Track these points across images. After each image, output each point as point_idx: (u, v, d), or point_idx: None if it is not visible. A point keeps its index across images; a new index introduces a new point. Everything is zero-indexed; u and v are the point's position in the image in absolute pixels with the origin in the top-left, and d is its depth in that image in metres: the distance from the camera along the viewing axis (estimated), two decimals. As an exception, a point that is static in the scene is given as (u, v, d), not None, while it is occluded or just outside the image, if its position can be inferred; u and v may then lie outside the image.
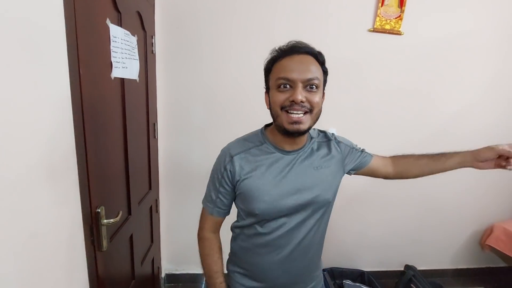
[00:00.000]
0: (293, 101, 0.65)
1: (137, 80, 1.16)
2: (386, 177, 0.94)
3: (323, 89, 0.72)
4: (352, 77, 1.70)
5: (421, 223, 2.00)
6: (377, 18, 1.61)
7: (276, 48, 0.71)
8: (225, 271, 0.86)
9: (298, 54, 0.67)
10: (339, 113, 1.74)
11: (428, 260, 2.09)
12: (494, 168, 0.79)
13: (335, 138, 0.86)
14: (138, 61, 1.15)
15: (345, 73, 1.68)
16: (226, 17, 1.53)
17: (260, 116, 1.77)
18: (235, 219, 0.85)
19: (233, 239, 0.86)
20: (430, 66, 1.73)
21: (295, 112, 0.65)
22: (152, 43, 1.38)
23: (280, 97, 0.67)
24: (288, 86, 0.66)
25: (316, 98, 0.67)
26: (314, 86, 0.66)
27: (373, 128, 1.79)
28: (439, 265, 2.11)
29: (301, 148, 0.77)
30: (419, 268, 2.03)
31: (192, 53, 1.56)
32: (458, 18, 1.67)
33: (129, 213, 1.11)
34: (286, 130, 0.68)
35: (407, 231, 2.01)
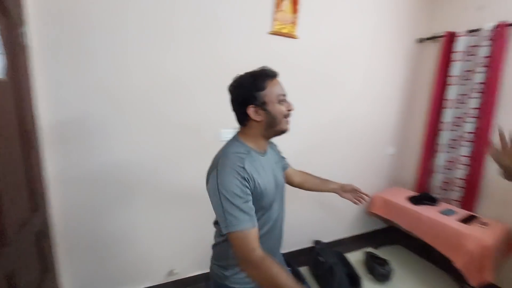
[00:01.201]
0: (290, 110, 0.92)
1: (1, 78, 0.93)
2: (291, 183, 1.27)
3: None
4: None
5: (324, 200, 2.31)
6: (275, 22, 1.76)
7: (264, 72, 0.90)
8: (220, 269, 0.96)
9: (277, 76, 0.92)
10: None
11: (331, 232, 2.45)
12: (350, 200, 1.26)
13: (271, 142, 1.08)
14: (1, 55, 0.92)
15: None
16: (123, 7, 1.39)
17: (170, 117, 1.68)
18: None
19: (225, 237, 0.90)
20: (322, 67, 2.00)
21: (289, 117, 0.93)
22: (22, 33, 1.13)
23: (283, 108, 0.90)
24: (285, 100, 0.91)
25: None
26: None
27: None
28: (340, 235, 2.50)
29: (267, 150, 0.99)
30: (325, 241, 2.36)
31: (82, 47, 1.35)
32: (339, 26, 1.99)
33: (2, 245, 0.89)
34: (285, 131, 0.93)
35: (313, 210, 2.29)
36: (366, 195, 1.26)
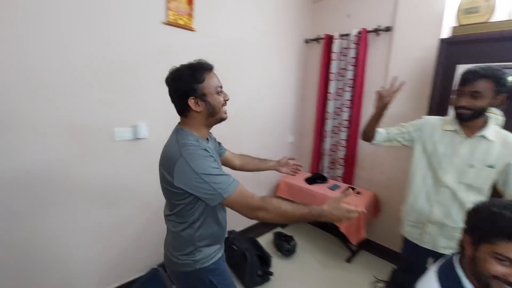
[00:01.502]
0: (227, 99, 1.01)
1: None
2: (232, 167, 1.36)
3: None
4: (156, 71, 1.68)
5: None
6: (170, 12, 1.66)
7: (202, 65, 0.95)
8: (188, 256, 1.00)
9: (212, 69, 0.98)
10: (150, 108, 1.70)
11: (245, 220, 2.58)
12: (288, 173, 1.45)
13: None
14: None
15: (149, 65, 1.65)
16: None
17: (63, 117, 1.39)
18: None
19: (197, 228, 0.99)
20: (223, 62, 2.03)
21: (226, 106, 1.01)
22: None
23: (221, 98, 0.98)
24: (222, 91, 0.99)
25: None
26: None
27: None
28: (252, 222, 2.67)
29: (208, 138, 1.05)
30: (238, 229, 2.46)
31: None
32: (236, 23, 2.05)
33: None
34: (224, 119, 1.01)
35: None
36: (299, 165, 1.46)
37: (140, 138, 1.68)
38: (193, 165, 0.86)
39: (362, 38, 2.23)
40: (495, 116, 1.49)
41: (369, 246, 2.38)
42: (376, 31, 2.17)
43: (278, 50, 2.47)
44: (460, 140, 1.18)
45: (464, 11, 1.57)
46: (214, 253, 1.05)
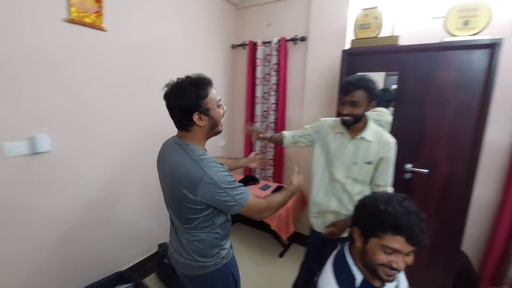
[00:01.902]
0: (224, 112, 1.05)
1: None
2: None
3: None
4: (58, 74, 1.48)
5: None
6: (72, 9, 1.48)
7: (204, 80, 0.98)
8: (216, 257, 1.06)
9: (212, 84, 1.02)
10: (52, 116, 1.48)
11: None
12: (257, 167, 1.60)
13: None
14: None
15: (50, 67, 1.43)
16: None
17: None
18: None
19: (218, 231, 1.05)
20: (141, 65, 1.91)
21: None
22: None
23: (221, 111, 1.03)
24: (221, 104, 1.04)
25: None
26: None
27: (95, 129, 1.71)
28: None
29: None
30: (171, 241, 2.34)
31: None
32: (158, 23, 1.96)
33: None
34: (221, 132, 1.06)
35: (155, 212, 2.21)
36: (265, 159, 1.66)
37: (40, 152, 1.45)
38: (217, 180, 0.91)
39: (282, 46, 2.39)
40: (385, 115, 1.78)
41: (299, 239, 2.55)
42: (294, 40, 2.36)
43: (204, 55, 2.46)
44: (347, 141, 1.34)
45: (359, 26, 1.83)
46: (229, 244, 1.15)
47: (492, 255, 1.81)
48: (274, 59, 2.45)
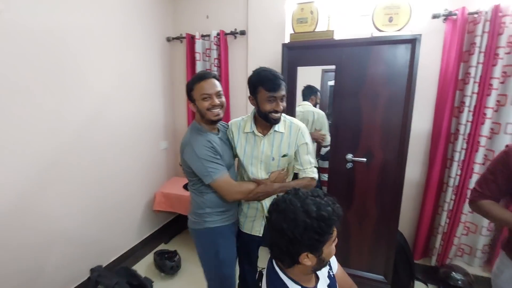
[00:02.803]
0: (214, 104, 1.21)
1: None
2: None
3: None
4: None
5: (105, 212, 1.99)
6: None
7: (196, 76, 1.25)
8: (199, 217, 1.30)
9: (208, 78, 1.22)
10: None
11: (118, 247, 2.18)
12: None
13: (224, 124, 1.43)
14: None
15: None
16: None
17: None
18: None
19: (204, 196, 1.29)
20: (49, 57, 1.59)
21: (215, 110, 1.23)
22: None
23: (205, 104, 1.20)
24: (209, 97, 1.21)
25: (223, 98, 1.26)
26: (221, 94, 1.25)
27: (11, 132, 1.41)
28: (128, 245, 2.30)
29: (219, 130, 1.35)
30: (111, 259, 2.07)
31: None
32: (75, 8, 1.65)
33: None
34: (213, 120, 1.23)
35: (91, 229, 1.91)
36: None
37: None
38: (197, 151, 1.17)
39: (222, 40, 2.27)
40: (307, 106, 1.87)
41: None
42: (233, 34, 2.26)
43: (136, 48, 2.20)
44: (260, 139, 1.29)
45: (297, 20, 1.83)
46: (222, 219, 1.30)
47: (422, 230, 2.02)
48: (214, 54, 2.32)
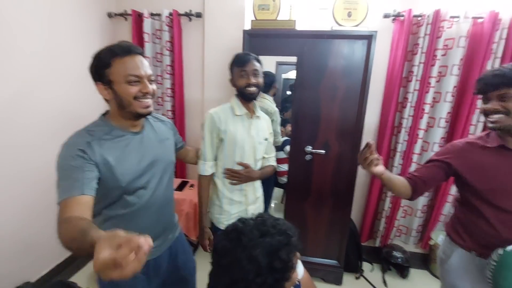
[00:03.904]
0: (145, 92, 0.86)
1: None
2: (187, 162, 1.36)
3: None
4: None
5: (23, 223, 1.66)
6: None
7: (114, 47, 0.83)
8: None
9: (137, 55, 0.86)
10: None
11: (50, 257, 1.87)
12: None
13: (161, 118, 1.11)
14: None
15: None
16: None
17: None
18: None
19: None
20: None
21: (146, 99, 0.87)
22: None
23: (132, 90, 0.84)
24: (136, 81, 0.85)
25: (154, 86, 0.90)
26: (152, 79, 0.89)
27: None
28: (64, 253, 1.99)
29: (143, 128, 0.96)
30: (43, 272, 1.76)
31: None
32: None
33: None
34: (142, 114, 0.88)
35: (10, 244, 1.58)
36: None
37: None
38: (60, 156, 0.81)
39: (175, 21, 2.06)
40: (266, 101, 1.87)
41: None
42: (188, 15, 2.08)
43: (71, 23, 1.85)
44: (249, 122, 1.30)
45: (259, 6, 1.75)
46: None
47: (368, 215, 2.20)
48: (166, 36, 2.09)
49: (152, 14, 2.09)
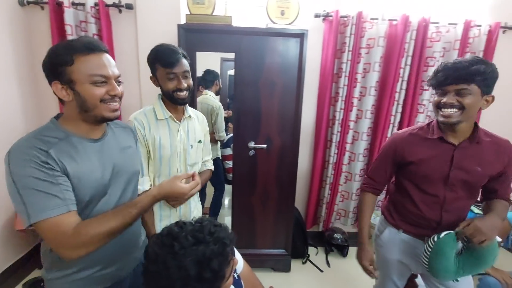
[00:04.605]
0: (113, 94, 0.77)
1: None
2: None
3: None
4: None
5: None
6: None
7: (76, 43, 0.74)
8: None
9: (103, 52, 0.77)
10: None
11: None
12: None
13: (121, 124, 0.98)
14: None
15: None
16: None
17: None
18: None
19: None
20: None
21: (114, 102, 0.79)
22: None
23: (98, 91, 0.74)
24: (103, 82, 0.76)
25: (122, 88, 0.82)
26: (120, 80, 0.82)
27: None
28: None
29: (105, 134, 0.85)
30: None
31: None
32: None
33: None
34: (108, 118, 0.79)
35: None
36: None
37: None
38: (13, 169, 0.67)
39: (102, 12, 1.88)
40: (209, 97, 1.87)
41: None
42: (117, 6, 1.92)
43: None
44: (176, 126, 1.17)
45: (193, 1, 1.70)
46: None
47: (311, 203, 2.35)
48: (92, 28, 1.90)
49: (73, 4, 1.88)
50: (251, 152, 1.88)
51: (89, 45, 0.74)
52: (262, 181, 1.94)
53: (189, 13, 1.73)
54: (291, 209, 2.00)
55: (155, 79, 1.14)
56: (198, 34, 1.71)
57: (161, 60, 1.07)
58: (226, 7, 1.75)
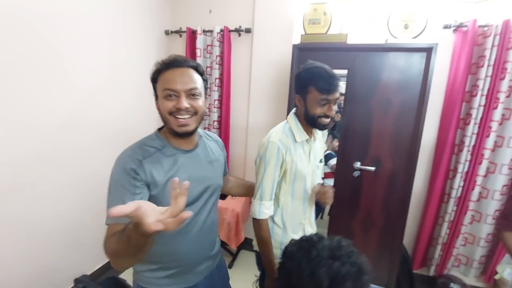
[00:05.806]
0: (179, 108, 0.78)
1: None
2: (225, 192, 1.19)
3: (205, 94, 0.86)
4: None
5: (81, 221, 1.81)
6: None
7: (160, 62, 0.80)
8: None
9: (179, 67, 0.79)
10: None
11: (99, 258, 2.00)
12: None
13: (214, 137, 1.05)
14: None
15: None
16: None
17: None
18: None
19: None
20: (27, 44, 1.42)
21: (181, 116, 0.79)
22: None
23: (167, 105, 0.79)
24: (173, 95, 0.78)
25: (199, 102, 0.81)
26: (196, 94, 0.80)
27: None
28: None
29: (196, 146, 0.90)
30: (97, 266, 1.90)
31: None
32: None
33: None
34: (177, 132, 0.81)
35: (69, 240, 1.73)
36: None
37: None
38: (113, 170, 0.78)
39: (226, 36, 2.17)
40: None
41: (247, 244, 2.39)
42: (238, 31, 2.17)
43: (131, 40, 2.04)
44: (308, 148, 1.13)
45: (309, 21, 1.76)
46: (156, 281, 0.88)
47: (422, 240, 2.01)
48: (216, 50, 2.20)
49: (204, 31, 2.23)
50: (356, 173, 1.76)
51: (168, 63, 0.80)
52: (365, 206, 1.78)
53: (304, 33, 1.80)
54: (398, 243, 1.76)
55: (301, 99, 1.05)
56: (311, 52, 1.75)
57: (318, 83, 0.98)
58: (342, 25, 1.74)
